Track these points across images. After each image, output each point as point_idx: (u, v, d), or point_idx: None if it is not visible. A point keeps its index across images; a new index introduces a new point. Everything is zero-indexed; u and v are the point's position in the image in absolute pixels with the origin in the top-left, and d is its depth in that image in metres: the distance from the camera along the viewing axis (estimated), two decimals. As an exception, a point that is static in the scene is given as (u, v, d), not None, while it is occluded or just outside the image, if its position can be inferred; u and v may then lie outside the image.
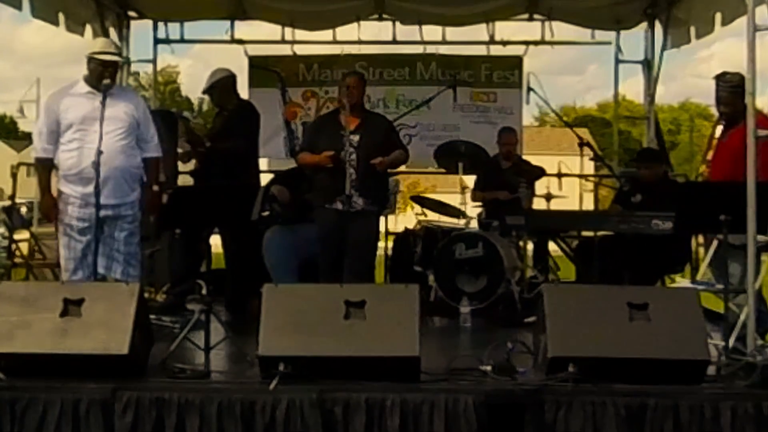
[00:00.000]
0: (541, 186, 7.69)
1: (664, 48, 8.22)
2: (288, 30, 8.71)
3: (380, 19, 8.69)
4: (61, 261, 5.38)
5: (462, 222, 7.27)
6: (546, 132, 39.93)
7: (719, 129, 5.38)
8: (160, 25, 8.78)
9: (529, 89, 7.17)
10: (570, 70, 75.57)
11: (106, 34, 7.95)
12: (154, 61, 9.01)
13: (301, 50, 8.96)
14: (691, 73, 63.22)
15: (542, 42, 8.82)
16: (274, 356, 4.14)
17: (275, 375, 4.07)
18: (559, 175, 8.21)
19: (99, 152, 4.94)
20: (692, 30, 7.72)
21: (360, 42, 8.96)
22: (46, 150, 5.31)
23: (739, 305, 4.92)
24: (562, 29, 8.77)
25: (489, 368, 4.33)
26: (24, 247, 7.56)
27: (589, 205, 7.45)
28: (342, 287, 4.49)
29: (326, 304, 4.32)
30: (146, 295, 5.41)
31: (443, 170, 7.96)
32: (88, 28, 7.91)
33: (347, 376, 4.10)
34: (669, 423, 3.98)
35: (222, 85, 6.74)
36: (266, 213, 6.80)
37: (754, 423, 3.98)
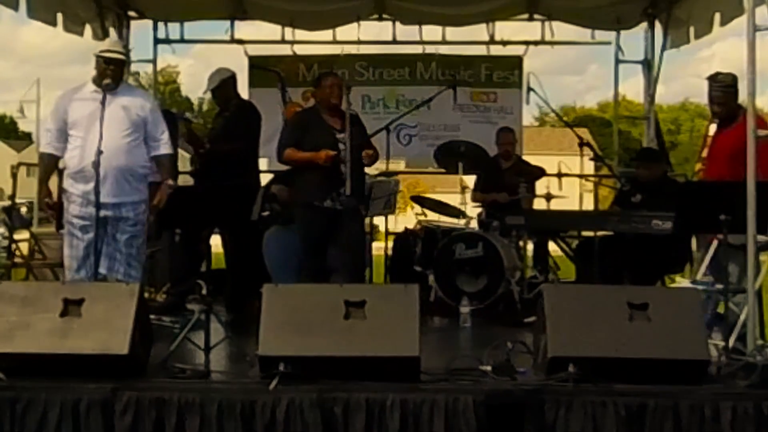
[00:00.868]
0: (541, 186, 7.69)
1: (664, 48, 8.22)
2: (288, 30, 8.71)
3: (380, 19, 8.69)
4: (65, 259, 5.38)
5: (462, 222, 7.27)
6: (546, 132, 39.94)
7: (713, 127, 5.39)
8: (160, 25, 8.79)
9: (529, 89, 7.17)
10: (570, 70, 75.70)
11: (106, 34, 7.94)
12: (154, 61, 9.01)
13: (301, 50, 8.96)
14: (691, 73, 63.20)
15: (542, 42, 8.82)
16: (274, 356, 4.14)
17: (275, 375, 4.07)
18: (559, 175, 8.21)
19: (99, 152, 4.95)
20: (692, 30, 7.72)
21: (360, 42, 8.97)
22: (52, 146, 5.34)
23: (737, 304, 4.92)
24: (562, 29, 8.79)
25: (489, 368, 4.33)
26: (24, 247, 7.56)
27: (589, 205, 7.43)
28: (342, 287, 4.49)
29: (326, 304, 4.32)
30: (146, 295, 5.42)
31: (443, 170, 7.96)
32: (88, 28, 7.91)
33: (347, 376, 4.10)
34: (669, 423, 3.98)
35: (223, 85, 6.74)
36: (266, 213, 6.80)
37: (754, 423, 3.97)
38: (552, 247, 7.81)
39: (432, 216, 7.75)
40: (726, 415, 3.97)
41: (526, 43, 8.96)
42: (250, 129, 6.68)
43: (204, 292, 5.27)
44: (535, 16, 8.66)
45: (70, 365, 4.15)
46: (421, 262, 7.07)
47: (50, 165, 5.41)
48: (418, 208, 7.87)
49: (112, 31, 8.15)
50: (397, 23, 8.74)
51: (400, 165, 9.37)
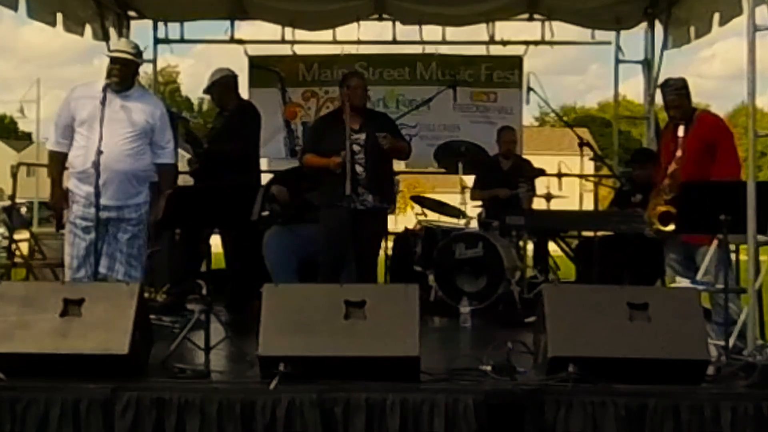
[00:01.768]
0: (541, 186, 7.70)
1: (664, 48, 8.22)
2: (288, 30, 8.71)
3: (380, 19, 8.69)
4: (65, 258, 5.37)
5: (462, 222, 7.28)
6: (546, 132, 39.93)
7: (681, 129, 5.42)
8: (160, 25, 8.78)
9: (529, 89, 7.17)
10: (571, 70, 75.73)
11: (106, 34, 7.95)
12: (154, 61, 9.00)
13: (301, 50, 8.96)
14: (691, 73, 62.70)
15: (542, 42, 8.82)
16: (274, 356, 4.14)
17: (275, 375, 4.07)
18: (559, 175, 8.22)
19: (99, 152, 4.94)
20: (692, 30, 7.72)
21: (360, 42, 8.96)
22: (59, 144, 5.32)
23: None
24: (562, 29, 8.78)
25: (489, 368, 4.33)
26: (24, 247, 7.56)
27: (589, 205, 7.44)
28: (342, 287, 4.49)
29: (326, 304, 4.32)
30: (146, 295, 5.42)
31: (443, 170, 7.97)
32: (88, 28, 7.91)
33: (347, 376, 4.10)
34: (669, 423, 3.98)
35: (222, 84, 6.74)
36: (266, 213, 6.80)
37: (754, 423, 3.97)
38: (552, 247, 7.82)
39: (432, 216, 7.76)
40: (726, 415, 3.97)
41: (526, 43, 8.96)
42: (250, 129, 6.68)
43: (204, 292, 5.27)
44: (535, 16, 8.65)
45: (70, 365, 4.15)
46: (421, 262, 7.07)
47: (61, 163, 5.35)
48: (418, 208, 7.88)
49: (112, 31, 8.15)
50: (397, 23, 8.74)
51: (400, 165, 9.36)
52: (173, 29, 8.82)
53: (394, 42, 8.92)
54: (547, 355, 4.20)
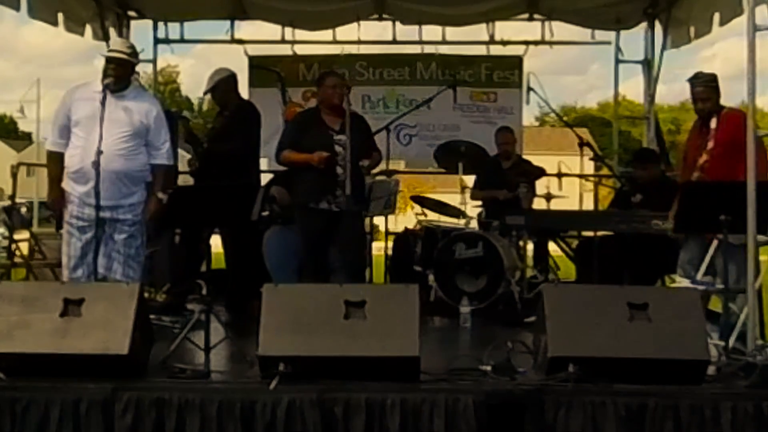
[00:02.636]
0: (541, 186, 7.69)
1: (664, 48, 8.22)
2: (288, 30, 8.72)
3: (380, 19, 8.69)
4: (63, 258, 5.36)
5: (462, 222, 7.27)
6: (546, 132, 39.92)
7: (714, 121, 5.41)
8: (160, 25, 8.79)
9: (529, 89, 7.17)
10: (572, 70, 75.67)
11: (106, 34, 7.95)
12: (154, 61, 9.01)
13: (301, 50, 8.96)
14: (692, 73, 62.96)
15: (542, 42, 8.83)
16: (274, 356, 4.14)
17: (275, 375, 4.07)
18: (559, 175, 8.21)
19: (99, 152, 4.94)
20: (691, 30, 7.72)
21: (360, 42, 8.97)
22: (57, 144, 5.32)
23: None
24: (562, 29, 8.80)
25: (489, 368, 4.33)
26: (24, 247, 7.56)
27: (589, 205, 7.44)
28: (342, 287, 4.49)
29: (326, 304, 4.32)
30: (146, 295, 5.41)
31: (443, 170, 7.97)
32: (88, 28, 7.91)
33: (347, 376, 4.10)
34: (669, 423, 3.98)
35: (223, 84, 6.73)
36: (266, 213, 6.79)
37: (754, 423, 3.98)
38: (552, 247, 7.81)
39: (432, 216, 7.75)
40: (726, 415, 3.97)
41: (526, 43, 8.97)
42: (250, 129, 6.67)
43: (204, 292, 5.26)
44: (535, 16, 8.66)
45: (70, 365, 4.15)
46: (421, 262, 7.06)
47: (59, 162, 5.32)
48: (418, 208, 7.87)
49: (112, 31, 8.15)
50: (397, 23, 8.75)
51: (400, 165, 9.37)
52: (173, 29, 8.83)
53: (394, 42, 8.93)
54: (547, 355, 4.20)
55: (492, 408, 4.02)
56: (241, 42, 8.87)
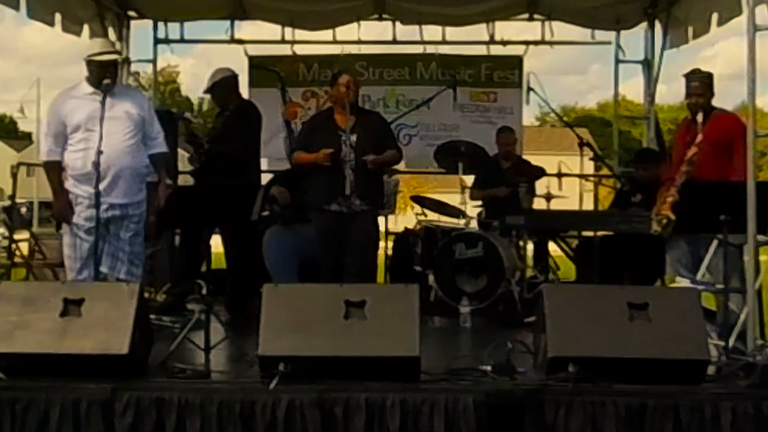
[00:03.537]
0: (541, 186, 7.69)
1: (664, 48, 8.22)
2: (288, 30, 8.71)
3: (380, 19, 8.69)
4: (66, 261, 5.33)
5: (462, 222, 7.27)
6: (546, 132, 39.88)
7: (700, 116, 5.42)
8: (160, 25, 8.78)
9: (529, 89, 7.17)
10: (572, 70, 75.61)
11: (106, 34, 7.94)
12: (154, 61, 9.01)
13: (301, 50, 8.96)
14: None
15: (542, 42, 8.82)
16: (274, 356, 4.14)
17: (275, 375, 4.07)
18: (559, 175, 8.21)
19: (99, 152, 4.94)
20: (690, 30, 7.72)
21: (360, 42, 8.96)
22: (53, 152, 5.26)
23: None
24: (562, 29, 8.78)
25: (489, 368, 4.33)
26: (24, 247, 7.56)
27: (589, 205, 7.45)
28: (342, 287, 4.49)
29: (326, 304, 4.32)
30: (146, 295, 5.42)
31: (443, 170, 7.96)
32: (86, 28, 7.90)
33: (347, 376, 4.10)
34: (669, 423, 3.98)
35: (223, 84, 6.74)
36: (266, 213, 6.79)
37: (754, 423, 3.98)
38: (552, 247, 7.81)
39: (432, 216, 7.75)
40: (726, 415, 3.97)
41: (526, 43, 8.96)
42: (250, 129, 6.68)
43: (204, 292, 5.26)
44: (535, 16, 8.65)
45: (70, 365, 4.15)
46: (421, 262, 7.06)
47: (59, 171, 5.28)
48: (418, 208, 7.87)
49: (111, 31, 8.14)
50: (397, 23, 8.74)
51: (400, 165, 9.35)
52: (173, 29, 8.82)
53: (394, 42, 8.92)
54: (547, 355, 4.20)
55: (492, 408, 4.02)
56: (241, 42, 8.86)
